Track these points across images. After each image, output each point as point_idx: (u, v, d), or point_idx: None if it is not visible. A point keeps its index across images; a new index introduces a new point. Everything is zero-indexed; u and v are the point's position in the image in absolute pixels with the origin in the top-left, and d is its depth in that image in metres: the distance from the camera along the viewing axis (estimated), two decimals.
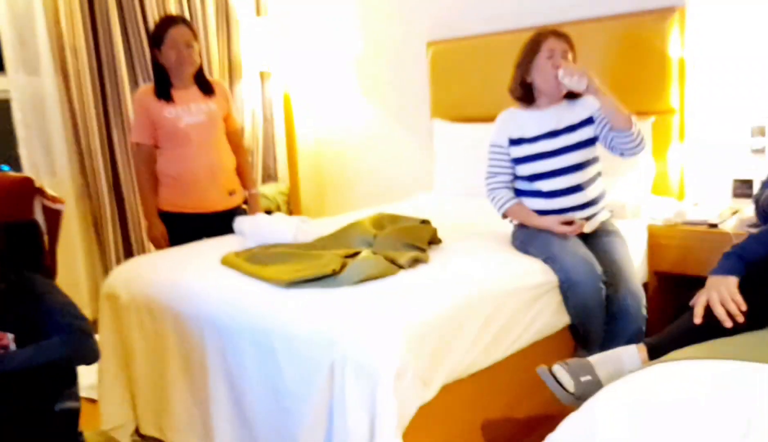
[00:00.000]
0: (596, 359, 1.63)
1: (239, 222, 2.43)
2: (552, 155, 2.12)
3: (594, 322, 1.98)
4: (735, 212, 2.35)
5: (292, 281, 1.82)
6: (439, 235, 2.19)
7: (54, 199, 2.16)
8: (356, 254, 2.01)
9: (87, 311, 3.18)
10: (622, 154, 2.08)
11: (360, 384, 1.52)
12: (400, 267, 1.90)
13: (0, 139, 3.18)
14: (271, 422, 1.73)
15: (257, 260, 2.04)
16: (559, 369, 1.60)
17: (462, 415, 1.74)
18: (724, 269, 1.59)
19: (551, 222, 2.09)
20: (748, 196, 2.38)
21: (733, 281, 1.54)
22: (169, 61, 2.54)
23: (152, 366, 2.09)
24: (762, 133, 2.37)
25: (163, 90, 2.56)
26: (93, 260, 3.40)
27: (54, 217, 2.16)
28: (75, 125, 3.26)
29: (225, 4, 3.77)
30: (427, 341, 1.58)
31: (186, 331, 1.94)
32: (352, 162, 3.94)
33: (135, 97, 2.67)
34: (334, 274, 1.83)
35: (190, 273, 2.07)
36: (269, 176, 4.13)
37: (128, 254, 3.40)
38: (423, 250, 2.05)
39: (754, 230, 1.82)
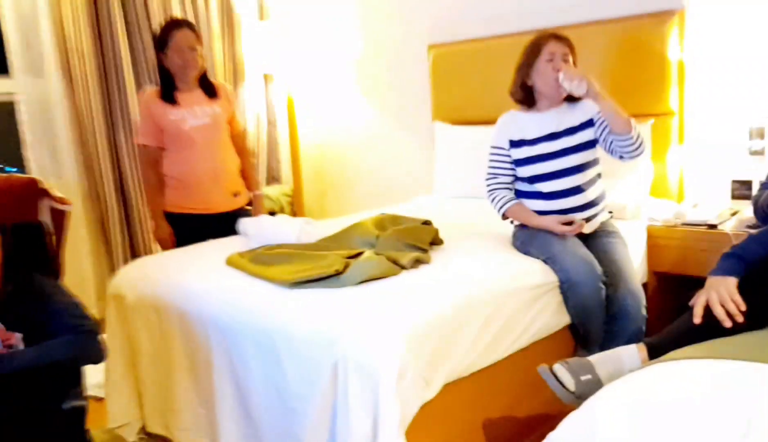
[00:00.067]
0: (596, 359, 1.64)
1: (243, 223, 2.45)
2: (552, 157, 2.13)
3: (594, 322, 1.99)
4: (734, 213, 2.35)
5: (296, 282, 1.84)
6: (441, 236, 2.21)
7: (60, 201, 2.17)
8: (359, 254, 2.02)
9: (93, 311, 3.20)
10: (621, 158, 2.09)
11: (362, 384, 1.53)
12: (402, 267, 1.91)
13: (6, 141, 3.21)
14: (276, 422, 1.74)
15: (261, 261, 2.06)
16: (559, 368, 1.61)
17: (463, 414, 1.75)
18: (723, 270, 1.59)
19: (551, 222, 2.10)
20: (747, 197, 2.38)
21: (732, 281, 1.55)
22: (173, 65, 2.56)
23: (158, 365, 2.11)
24: (761, 134, 2.38)
25: (168, 93, 2.58)
26: (99, 261, 3.43)
27: (60, 218, 2.17)
28: (81, 127, 3.29)
29: (228, 8, 3.79)
30: (428, 341, 1.59)
31: (191, 330, 1.95)
32: (353, 164, 3.96)
33: (140, 100, 2.69)
34: (337, 274, 1.84)
35: (196, 273, 2.09)
36: (273, 178, 4.15)
37: (134, 254, 3.43)
38: (425, 250, 2.06)
39: (753, 231, 1.83)
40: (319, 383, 1.60)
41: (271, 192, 3.85)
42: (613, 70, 2.66)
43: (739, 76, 2.44)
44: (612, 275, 2.02)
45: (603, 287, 1.98)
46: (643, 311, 2.02)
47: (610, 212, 2.29)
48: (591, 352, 1.80)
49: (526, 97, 2.21)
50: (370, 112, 3.80)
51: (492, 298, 1.79)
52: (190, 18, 3.56)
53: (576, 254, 2.00)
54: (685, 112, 2.58)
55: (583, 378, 1.59)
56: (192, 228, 2.64)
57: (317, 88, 4.00)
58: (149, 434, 2.19)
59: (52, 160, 3.25)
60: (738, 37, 2.43)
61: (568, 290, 1.97)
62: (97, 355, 1.64)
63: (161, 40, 2.56)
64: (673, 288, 2.42)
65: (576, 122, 2.15)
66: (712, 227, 2.26)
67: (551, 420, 1.37)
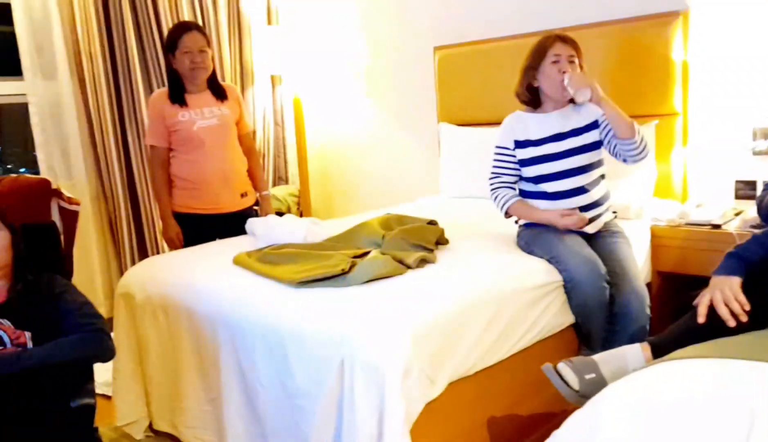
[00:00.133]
0: (600, 358, 1.65)
1: (251, 223, 2.47)
2: (557, 158, 2.15)
3: (595, 321, 2.00)
4: (738, 213, 2.36)
5: (303, 281, 1.85)
6: (446, 235, 2.22)
7: (71, 201, 2.19)
8: (365, 254, 2.03)
9: (102, 310, 3.23)
10: (625, 161, 2.10)
11: (368, 382, 1.53)
12: (408, 267, 1.92)
13: (18, 142, 3.25)
14: (283, 419, 1.74)
15: (268, 260, 2.07)
16: (564, 367, 1.62)
17: (467, 412, 1.76)
18: (726, 270, 1.59)
19: (553, 215, 2.11)
20: (751, 197, 2.39)
21: (736, 280, 1.54)
22: (182, 67, 2.59)
23: (166, 364, 2.12)
24: (764, 135, 2.38)
25: (177, 94, 2.61)
26: (109, 260, 3.47)
27: (71, 218, 2.20)
28: (91, 129, 3.32)
29: (237, 12, 3.82)
30: (433, 340, 1.60)
31: (199, 329, 1.97)
32: (360, 165, 3.97)
33: (149, 102, 2.71)
34: (344, 273, 1.85)
35: (204, 273, 2.11)
36: (280, 178, 4.17)
37: (143, 254, 3.46)
38: (430, 250, 2.07)
39: (757, 231, 1.83)
40: (325, 381, 1.61)
41: (279, 192, 3.88)
42: (618, 72, 2.66)
43: (742, 77, 2.45)
44: (616, 275, 2.02)
45: (606, 286, 1.99)
46: (647, 311, 2.02)
47: (615, 212, 2.30)
48: (594, 351, 1.81)
49: (532, 98, 2.22)
50: (377, 114, 3.82)
51: (497, 297, 1.80)
52: (199, 21, 3.59)
53: (580, 253, 2.01)
54: (689, 112, 2.59)
55: (587, 377, 1.60)
56: (200, 228, 2.66)
57: (324, 90, 4.02)
58: (156, 432, 2.21)
59: (62, 161, 3.28)
60: (742, 38, 2.43)
61: (571, 289, 1.98)
62: (107, 353, 1.65)
63: (171, 43, 2.59)
64: (676, 288, 2.43)
65: (581, 123, 2.17)
66: (716, 227, 2.26)
67: (554, 419, 1.38)
